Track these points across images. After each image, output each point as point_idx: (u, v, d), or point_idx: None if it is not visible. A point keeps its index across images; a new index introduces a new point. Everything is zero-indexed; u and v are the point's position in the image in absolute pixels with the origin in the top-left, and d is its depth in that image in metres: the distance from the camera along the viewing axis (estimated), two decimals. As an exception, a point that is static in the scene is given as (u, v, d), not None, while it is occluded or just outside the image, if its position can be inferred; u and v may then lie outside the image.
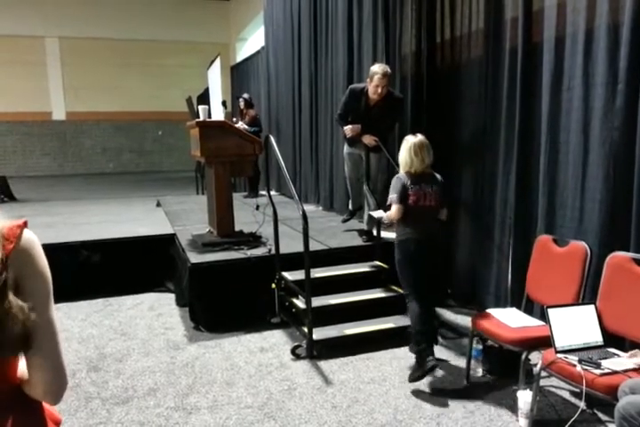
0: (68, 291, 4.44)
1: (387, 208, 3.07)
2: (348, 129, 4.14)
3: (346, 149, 4.50)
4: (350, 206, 4.77)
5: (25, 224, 0.94)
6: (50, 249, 4.41)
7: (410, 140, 2.97)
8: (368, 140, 4.12)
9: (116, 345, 3.51)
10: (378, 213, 3.25)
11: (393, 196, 2.94)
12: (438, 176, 3.05)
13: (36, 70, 15.22)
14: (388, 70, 3.94)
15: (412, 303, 2.95)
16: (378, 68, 3.90)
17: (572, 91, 2.94)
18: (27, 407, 0.98)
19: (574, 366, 2.15)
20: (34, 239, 0.95)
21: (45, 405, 1.04)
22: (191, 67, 14.80)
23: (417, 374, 2.81)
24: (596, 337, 2.36)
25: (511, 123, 3.41)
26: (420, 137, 2.98)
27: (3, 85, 14.75)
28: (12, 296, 0.87)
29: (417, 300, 2.93)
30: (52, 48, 15.44)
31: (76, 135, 16.05)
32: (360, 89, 4.11)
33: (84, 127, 16.01)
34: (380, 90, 3.91)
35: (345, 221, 4.83)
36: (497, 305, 3.48)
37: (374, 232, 4.31)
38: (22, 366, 0.97)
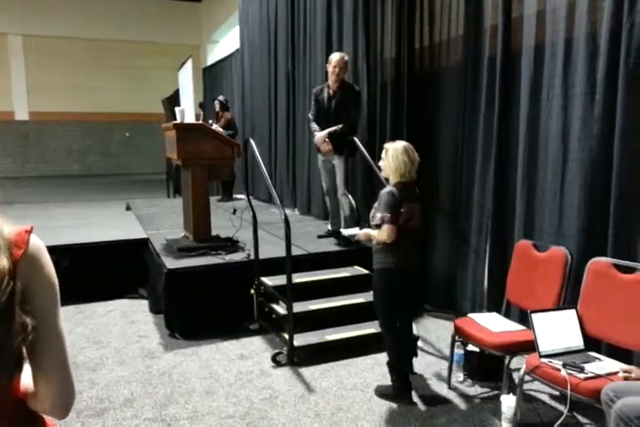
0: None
1: (369, 225, 2.77)
2: (315, 140, 4.31)
3: (319, 158, 4.48)
4: (329, 225, 4.67)
5: (32, 229, 0.91)
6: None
7: (399, 144, 2.67)
8: (323, 147, 4.25)
9: (89, 354, 3.38)
10: (350, 231, 3.00)
11: (385, 215, 2.55)
12: (417, 190, 2.78)
13: (-2, 68, 14.71)
14: (346, 56, 4.23)
15: (387, 337, 2.78)
16: (335, 53, 4.27)
17: (552, 100, 2.99)
18: (29, 422, 0.95)
19: (559, 370, 2.17)
20: (41, 245, 0.91)
21: (46, 419, 0.99)
22: (162, 68, 14.55)
23: (387, 394, 2.79)
24: (578, 341, 2.40)
25: (489, 129, 3.45)
26: (403, 141, 2.73)
27: (-39, 83, 14.18)
28: (18, 311, 0.82)
29: (393, 335, 2.77)
30: (16, 46, 14.94)
31: (39, 136, 15.56)
32: (320, 87, 4.41)
33: (48, 128, 15.53)
34: (337, 71, 4.11)
35: (320, 237, 4.62)
36: (473, 310, 3.52)
37: (344, 232, 4.34)
38: (25, 380, 0.92)
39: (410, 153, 2.64)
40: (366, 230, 2.77)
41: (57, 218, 6.24)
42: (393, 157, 2.65)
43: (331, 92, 4.26)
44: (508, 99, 3.30)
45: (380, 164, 2.75)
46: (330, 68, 4.19)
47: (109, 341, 3.61)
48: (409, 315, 2.97)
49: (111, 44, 15.39)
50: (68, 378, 0.93)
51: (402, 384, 2.74)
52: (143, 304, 4.40)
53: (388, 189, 2.63)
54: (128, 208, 7.02)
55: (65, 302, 3.70)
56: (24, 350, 0.88)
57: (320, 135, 4.26)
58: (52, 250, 3.76)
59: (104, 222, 5.82)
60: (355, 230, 2.91)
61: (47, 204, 8.11)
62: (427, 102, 4.16)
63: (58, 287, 0.93)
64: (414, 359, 3.07)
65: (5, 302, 0.80)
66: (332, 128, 4.20)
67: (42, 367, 0.90)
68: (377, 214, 2.61)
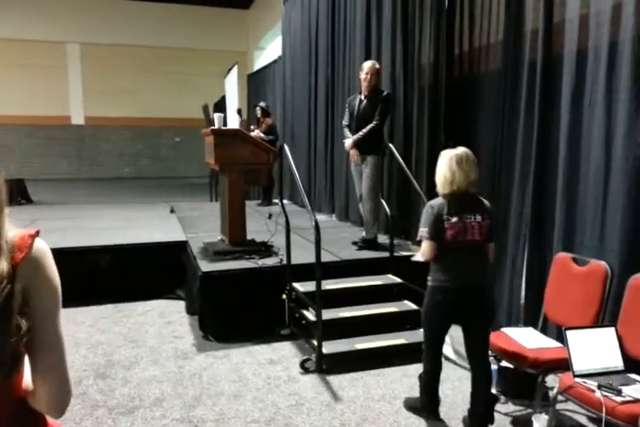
0: (79, 295, 4.45)
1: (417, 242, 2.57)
2: (345, 145, 4.41)
3: (352, 164, 4.52)
4: (364, 233, 4.61)
5: (37, 233, 0.93)
6: (63, 253, 4.43)
7: (450, 152, 2.43)
8: (351, 154, 4.36)
9: (125, 352, 3.49)
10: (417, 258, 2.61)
11: (423, 230, 2.41)
12: (485, 202, 2.48)
13: (57, 75, 15.52)
14: (377, 64, 4.36)
15: (425, 352, 2.57)
16: (367, 61, 4.43)
17: (594, 106, 2.86)
18: (30, 420, 0.97)
19: (593, 391, 2.07)
20: (45, 249, 0.94)
21: (49, 419, 1.02)
22: (209, 74, 14.98)
23: (414, 407, 2.70)
24: (617, 362, 2.28)
25: (529, 137, 3.34)
26: (462, 148, 2.45)
27: (24, 89, 15.05)
28: (15, 313, 0.85)
29: (431, 361, 2.56)
30: (73, 54, 15.73)
31: (93, 140, 16.29)
32: (354, 95, 4.56)
33: (101, 132, 16.24)
34: (369, 77, 4.23)
35: (354, 243, 4.58)
36: (509, 324, 3.40)
37: (366, 235, 4.32)
38: (27, 378, 0.95)
39: (459, 161, 2.37)
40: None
41: (101, 219, 6.49)
42: (439, 164, 2.45)
43: (362, 97, 4.35)
44: (549, 105, 3.19)
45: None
46: (362, 75, 4.30)
47: (145, 340, 3.71)
48: (482, 351, 2.50)
49: (162, 51, 15.95)
50: (65, 380, 0.94)
51: (430, 399, 2.62)
52: (180, 305, 4.51)
53: (430, 201, 2.46)
54: (172, 211, 7.22)
55: (104, 301, 3.84)
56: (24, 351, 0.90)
57: (346, 143, 4.39)
58: (95, 250, 3.89)
59: (147, 224, 6.00)
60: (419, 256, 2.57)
61: (96, 205, 8.45)
62: (465, 108, 4.07)
63: (60, 292, 0.95)
64: None
65: (3, 303, 0.83)
66: (356, 135, 4.24)
67: (39, 368, 0.92)
68: (419, 230, 2.45)
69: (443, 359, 2.64)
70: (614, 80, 2.75)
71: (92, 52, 15.61)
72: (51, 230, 5.51)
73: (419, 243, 2.48)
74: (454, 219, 2.35)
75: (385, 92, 4.36)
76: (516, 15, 3.45)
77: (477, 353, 2.49)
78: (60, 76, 15.59)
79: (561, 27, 3.08)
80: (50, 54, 15.36)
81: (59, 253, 4.14)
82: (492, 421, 2.42)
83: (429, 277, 2.49)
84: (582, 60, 2.94)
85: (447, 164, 2.39)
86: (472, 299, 2.41)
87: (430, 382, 2.60)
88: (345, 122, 4.51)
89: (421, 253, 2.43)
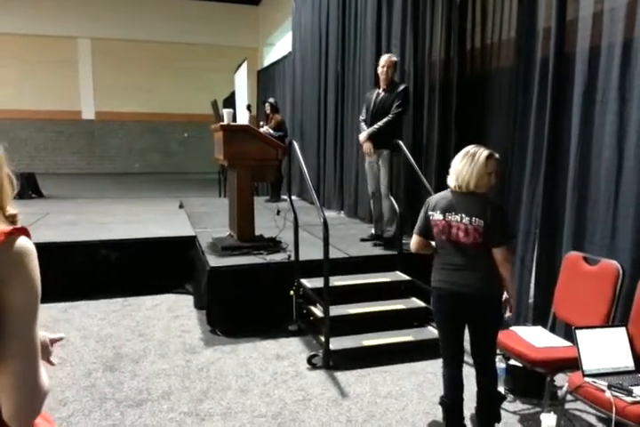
0: (89, 289, 4.50)
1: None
2: (360, 138, 4.40)
3: (366, 160, 4.50)
4: (373, 229, 4.67)
5: (17, 231, 0.88)
6: (73, 247, 4.46)
7: (473, 147, 2.29)
8: (365, 147, 4.33)
9: (133, 346, 3.51)
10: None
11: (417, 223, 2.45)
12: (491, 205, 2.24)
13: (68, 70, 15.59)
14: (394, 57, 4.35)
15: (445, 369, 2.43)
16: (384, 55, 4.42)
17: (606, 104, 2.83)
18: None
19: (603, 391, 2.05)
20: (27, 248, 0.89)
21: (38, 420, 0.95)
22: (219, 70, 14.98)
23: None
24: (627, 362, 2.26)
25: (540, 134, 3.31)
26: (487, 149, 2.27)
27: (35, 84, 15.14)
28: None
29: (448, 364, 2.42)
30: (84, 49, 15.79)
31: (104, 134, 16.36)
32: (372, 90, 4.53)
33: (112, 127, 16.30)
34: (385, 70, 4.22)
35: (363, 240, 4.64)
36: (517, 323, 3.37)
37: (385, 235, 4.29)
38: None
39: (470, 159, 2.24)
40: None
41: (111, 213, 6.53)
42: (456, 156, 2.33)
43: (379, 91, 4.34)
44: (561, 103, 3.15)
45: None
46: (379, 69, 4.29)
47: (153, 334, 3.74)
48: (484, 359, 2.38)
49: (171, 47, 15.97)
50: (35, 391, 0.86)
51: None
52: (188, 300, 4.53)
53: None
54: (181, 206, 7.24)
55: (114, 294, 3.87)
56: None
57: (360, 137, 4.37)
58: (105, 245, 3.93)
59: (156, 219, 6.03)
60: None
61: (106, 199, 8.51)
62: (476, 105, 4.05)
63: (38, 295, 0.89)
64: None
65: None
66: (371, 128, 4.23)
67: (6, 374, 0.85)
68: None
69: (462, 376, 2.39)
70: (627, 78, 2.72)
71: (103, 47, 15.66)
72: (61, 224, 5.56)
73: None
74: (438, 216, 2.30)
75: (402, 86, 4.29)
76: (528, 12, 3.42)
77: (480, 354, 2.38)
78: (70, 71, 15.66)
79: (574, 24, 3.04)
80: (61, 49, 15.42)
81: (69, 248, 4.18)
82: (498, 419, 2.40)
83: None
84: (595, 57, 2.90)
85: (460, 160, 2.28)
86: (464, 302, 2.27)
87: (452, 404, 2.37)
88: (362, 116, 4.49)
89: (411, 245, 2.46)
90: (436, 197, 2.38)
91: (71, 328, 3.83)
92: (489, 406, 2.37)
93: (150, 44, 15.83)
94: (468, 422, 2.52)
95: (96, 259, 4.58)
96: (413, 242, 2.43)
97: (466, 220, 2.23)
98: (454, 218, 2.26)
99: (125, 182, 12.95)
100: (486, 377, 2.36)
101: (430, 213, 2.33)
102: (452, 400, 2.37)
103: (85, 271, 4.52)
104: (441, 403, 2.43)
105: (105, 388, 2.91)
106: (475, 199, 2.26)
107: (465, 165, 2.24)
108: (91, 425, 2.53)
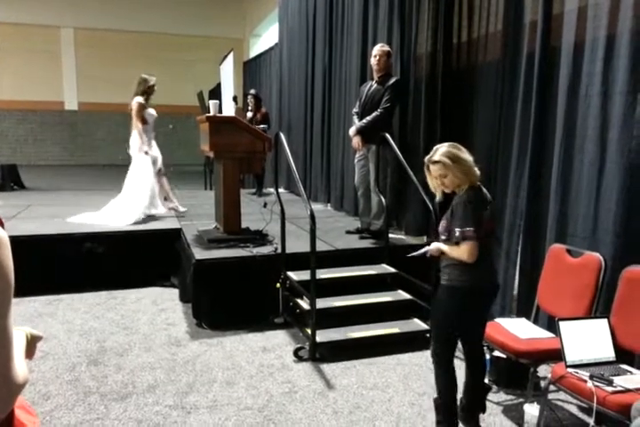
0: (73, 282, 4.45)
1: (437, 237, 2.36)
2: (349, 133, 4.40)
3: (357, 153, 4.48)
4: (360, 224, 4.67)
5: None
6: (56, 240, 4.39)
7: (447, 145, 2.26)
8: (354, 141, 4.34)
9: (118, 339, 3.49)
10: (420, 251, 2.41)
11: (467, 229, 2.14)
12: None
13: (51, 60, 15.31)
14: (386, 47, 4.31)
15: (438, 369, 2.35)
16: (377, 44, 4.39)
17: (590, 97, 2.86)
18: None
19: (585, 381, 2.08)
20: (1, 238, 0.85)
21: (18, 412, 0.93)
22: (205, 61, 14.82)
23: None
24: (608, 352, 2.30)
25: (525, 128, 3.33)
26: (445, 144, 2.29)
27: (17, 74, 14.85)
28: None
29: (445, 368, 2.33)
30: (67, 38, 15.50)
31: (87, 126, 16.12)
32: (367, 81, 4.52)
33: (95, 118, 16.07)
34: (378, 59, 4.20)
35: (349, 233, 4.65)
36: (502, 314, 3.41)
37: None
38: None
39: (463, 150, 2.25)
40: (437, 245, 2.31)
41: (96, 206, 6.42)
42: (462, 156, 2.22)
43: (372, 83, 4.33)
44: (546, 97, 3.17)
45: (439, 180, 2.25)
46: (372, 60, 4.28)
47: (138, 327, 3.71)
48: (479, 349, 2.45)
49: (157, 37, 15.76)
50: (6, 381, 0.82)
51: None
52: (174, 293, 4.50)
53: (464, 197, 2.20)
54: (166, 199, 7.15)
55: (99, 287, 3.83)
56: None
57: (350, 131, 4.34)
58: (89, 237, 3.86)
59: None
60: (424, 249, 2.39)
61: (90, 191, 8.38)
62: (462, 99, 4.05)
63: (10, 287, 0.84)
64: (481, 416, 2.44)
65: None
66: (360, 123, 4.22)
67: None
68: (455, 229, 2.19)
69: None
70: (611, 72, 2.74)
71: (87, 37, 15.39)
72: (44, 217, 5.47)
73: (456, 244, 2.21)
74: (486, 214, 2.21)
75: (393, 79, 4.25)
76: (515, 6, 3.42)
77: (473, 344, 2.43)
78: (53, 60, 15.37)
79: (560, 18, 3.06)
80: (43, 39, 15.12)
81: (52, 240, 4.11)
82: (483, 410, 2.44)
83: (448, 277, 2.27)
84: (580, 51, 2.92)
85: (464, 154, 2.22)
86: (492, 297, 2.38)
87: (450, 403, 2.33)
88: (355, 109, 4.47)
89: (467, 256, 2.16)
90: (478, 196, 2.24)
91: (55, 322, 3.78)
92: (475, 397, 2.40)
93: (135, 34, 15.60)
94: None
95: (80, 251, 4.51)
96: (474, 249, 2.16)
97: (493, 211, 2.33)
98: (489, 213, 2.26)
99: (110, 174, 12.76)
100: (479, 369, 2.42)
101: (483, 212, 2.21)
102: (451, 401, 2.32)
103: (69, 264, 4.46)
104: (438, 405, 2.35)
105: (89, 382, 2.88)
106: (482, 189, 2.31)
107: (470, 159, 2.23)
108: (74, 419, 2.50)
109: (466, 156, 2.23)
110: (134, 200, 5.18)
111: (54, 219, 5.26)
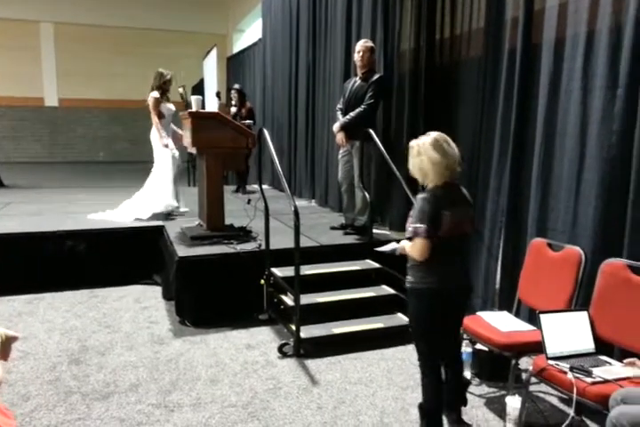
0: (54, 281, 4.38)
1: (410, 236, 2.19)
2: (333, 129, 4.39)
3: (341, 149, 4.48)
4: (345, 220, 4.68)
5: None
6: (37, 238, 4.32)
7: (428, 137, 2.17)
8: (337, 137, 4.34)
9: (100, 338, 3.44)
10: (388, 247, 2.36)
11: (419, 226, 2.08)
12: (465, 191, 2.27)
13: (30, 55, 15.00)
14: (369, 42, 4.28)
15: (422, 372, 2.27)
16: (360, 40, 4.37)
17: (571, 93, 2.89)
18: None
19: (565, 373, 2.11)
20: None
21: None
22: (188, 57, 14.61)
23: None
24: (588, 344, 2.33)
25: (507, 123, 3.36)
26: (438, 132, 2.21)
27: (-6, 69, 14.52)
28: None
29: (430, 370, 2.25)
30: (47, 33, 15.21)
31: (68, 122, 15.86)
32: (352, 77, 4.48)
33: (76, 114, 15.81)
34: (361, 55, 4.18)
35: (333, 228, 4.65)
36: (484, 308, 3.45)
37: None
38: None
39: (444, 145, 2.13)
40: (404, 242, 2.23)
41: (76, 203, 6.35)
42: (425, 151, 2.14)
43: (356, 79, 4.31)
44: (527, 92, 3.20)
45: (409, 166, 2.24)
46: (355, 56, 4.26)
47: (120, 326, 3.67)
48: (456, 349, 2.43)
49: (139, 33, 15.53)
50: None
51: None
52: (157, 291, 4.46)
53: (423, 194, 2.14)
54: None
55: (80, 286, 3.78)
56: None
57: (334, 127, 4.33)
58: (70, 235, 3.81)
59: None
60: (392, 245, 2.35)
61: (71, 189, 8.26)
62: (445, 94, 4.07)
63: None
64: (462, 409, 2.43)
65: None
66: (343, 119, 4.22)
67: None
68: (409, 225, 2.15)
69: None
70: (590, 68, 2.77)
71: (67, 31, 15.10)
72: (24, 214, 5.38)
73: (410, 240, 2.16)
74: (450, 213, 2.10)
75: (377, 76, 4.24)
76: (497, 1, 3.44)
77: (456, 345, 2.43)
78: (32, 56, 15.05)
79: (541, 14, 3.08)
80: (22, 33, 14.80)
81: (34, 238, 4.04)
82: (465, 403, 2.45)
83: (411, 279, 2.21)
84: (560, 47, 2.95)
85: (436, 149, 2.11)
86: (462, 298, 2.29)
87: (436, 411, 2.27)
88: (339, 105, 4.46)
89: (416, 253, 2.12)
90: (438, 194, 2.13)
91: (35, 321, 3.72)
92: (457, 392, 2.40)
93: (116, 29, 15.34)
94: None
95: (61, 249, 4.44)
96: (423, 247, 2.09)
97: (471, 211, 2.23)
98: (462, 211, 2.17)
99: (91, 172, 12.61)
100: (457, 365, 2.41)
101: (443, 211, 2.09)
102: (437, 407, 2.27)
103: (50, 262, 4.39)
104: (425, 413, 2.29)
105: (70, 381, 2.84)
106: (459, 188, 2.25)
107: (437, 156, 2.11)
108: (55, 420, 2.47)
109: (436, 152, 2.11)
110: (154, 195, 5.14)
111: (70, 215, 5.20)
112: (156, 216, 5.03)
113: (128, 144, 16.34)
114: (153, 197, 5.15)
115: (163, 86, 5.16)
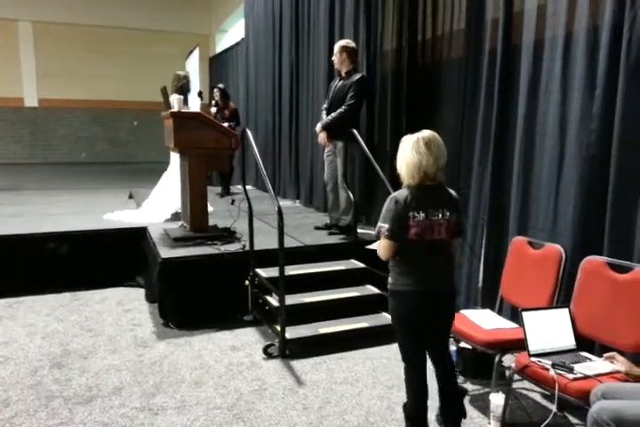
0: (35, 284, 4.31)
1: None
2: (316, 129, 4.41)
3: (325, 151, 4.49)
4: (329, 220, 4.69)
5: None
6: (17, 240, 4.25)
7: (414, 135, 2.12)
8: (320, 137, 4.37)
9: (82, 341, 3.39)
10: (375, 245, 2.36)
11: (383, 226, 2.07)
12: (454, 193, 2.20)
13: (8, 55, 14.73)
14: (349, 43, 4.27)
15: (405, 374, 2.23)
16: (340, 40, 4.39)
17: (550, 94, 2.93)
18: None
19: (547, 370, 2.14)
20: None
21: None
22: (170, 57, 14.49)
23: None
24: (569, 341, 2.37)
25: (488, 123, 3.39)
26: (428, 131, 2.15)
27: (-28, 69, 14.23)
28: None
29: (411, 372, 2.21)
30: (26, 32, 14.94)
31: (48, 123, 15.60)
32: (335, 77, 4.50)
33: (56, 115, 15.56)
34: (338, 56, 4.22)
35: (317, 228, 4.66)
36: (467, 306, 3.48)
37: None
38: None
39: (428, 143, 2.06)
40: None
41: (57, 205, 6.26)
42: (403, 150, 2.11)
43: (338, 80, 4.35)
44: (508, 93, 3.23)
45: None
46: (333, 57, 4.30)
47: (103, 329, 3.62)
48: (440, 352, 2.30)
49: (120, 32, 15.34)
50: None
51: None
52: (140, 293, 4.42)
53: (394, 193, 2.12)
54: (130, 197, 7.02)
55: (61, 288, 3.71)
56: None
57: (316, 127, 4.36)
58: (51, 237, 3.75)
59: (104, 211, 5.80)
60: (376, 245, 2.29)
61: (51, 190, 8.13)
62: (427, 95, 4.09)
63: None
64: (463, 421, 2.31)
65: None
66: (325, 119, 4.24)
67: None
68: (377, 225, 2.12)
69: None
70: (568, 70, 2.81)
71: (46, 31, 14.86)
72: (4, 216, 5.29)
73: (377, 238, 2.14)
74: (420, 216, 2.04)
75: (359, 75, 4.24)
76: (477, 3, 3.47)
77: (445, 348, 2.32)
78: (11, 55, 14.78)
79: (520, 16, 3.12)
80: (0, 33, 14.54)
81: (14, 241, 3.97)
82: (464, 414, 2.28)
83: (390, 279, 2.18)
84: (539, 49, 2.99)
85: (413, 148, 2.06)
86: (440, 303, 2.15)
87: (419, 412, 2.20)
88: (324, 105, 4.48)
89: (379, 253, 2.14)
90: (406, 195, 2.06)
91: (15, 325, 3.66)
92: (454, 403, 2.28)
93: (97, 28, 15.14)
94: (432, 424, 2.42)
95: (42, 252, 4.37)
96: (388, 248, 2.08)
97: (447, 215, 2.10)
98: (436, 215, 2.08)
99: (72, 173, 12.42)
100: (446, 372, 2.28)
101: (410, 213, 2.04)
102: (421, 410, 2.19)
103: (31, 265, 4.31)
104: (409, 416, 2.23)
105: (52, 385, 2.80)
106: (443, 190, 2.16)
107: (426, 152, 2.05)
108: (36, 425, 2.42)
109: (415, 152, 2.06)
110: (168, 196, 5.08)
111: (51, 217, 5.11)
112: (175, 216, 4.96)
113: (108, 145, 16.15)
114: (171, 197, 5.06)
115: (182, 88, 5.05)
